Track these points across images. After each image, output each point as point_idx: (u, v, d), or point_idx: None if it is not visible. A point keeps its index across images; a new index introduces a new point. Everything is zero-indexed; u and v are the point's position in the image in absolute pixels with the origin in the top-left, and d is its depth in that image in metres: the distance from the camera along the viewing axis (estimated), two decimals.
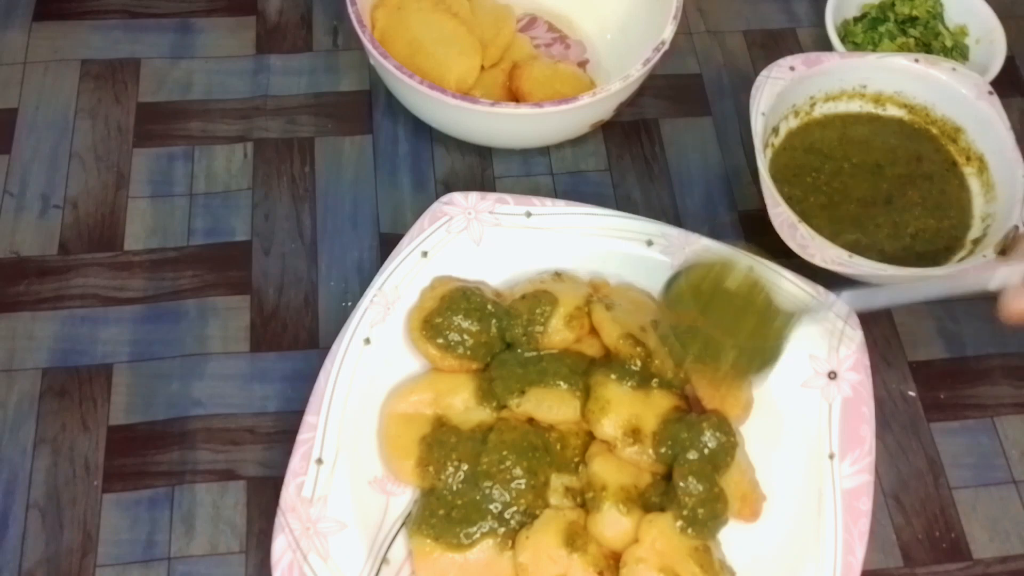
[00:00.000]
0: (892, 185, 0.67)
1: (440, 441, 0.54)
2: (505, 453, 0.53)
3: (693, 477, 0.51)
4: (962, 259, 0.63)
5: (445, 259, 0.59)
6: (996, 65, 0.71)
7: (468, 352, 0.56)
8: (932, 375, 0.63)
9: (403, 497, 0.54)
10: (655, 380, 0.54)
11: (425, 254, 0.59)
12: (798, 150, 0.68)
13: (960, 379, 0.63)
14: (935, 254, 0.65)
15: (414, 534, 0.52)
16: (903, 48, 0.72)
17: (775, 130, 0.67)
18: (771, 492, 0.54)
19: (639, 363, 0.54)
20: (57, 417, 0.58)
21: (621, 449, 0.52)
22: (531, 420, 0.55)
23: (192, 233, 0.65)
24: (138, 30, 0.74)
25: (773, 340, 0.51)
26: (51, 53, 0.72)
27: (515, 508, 0.52)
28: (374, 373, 0.56)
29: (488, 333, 0.57)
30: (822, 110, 0.69)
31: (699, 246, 0.58)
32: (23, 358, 0.60)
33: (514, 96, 0.69)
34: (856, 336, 0.57)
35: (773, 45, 0.77)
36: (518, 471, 0.52)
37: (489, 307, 0.57)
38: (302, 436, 0.53)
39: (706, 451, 0.52)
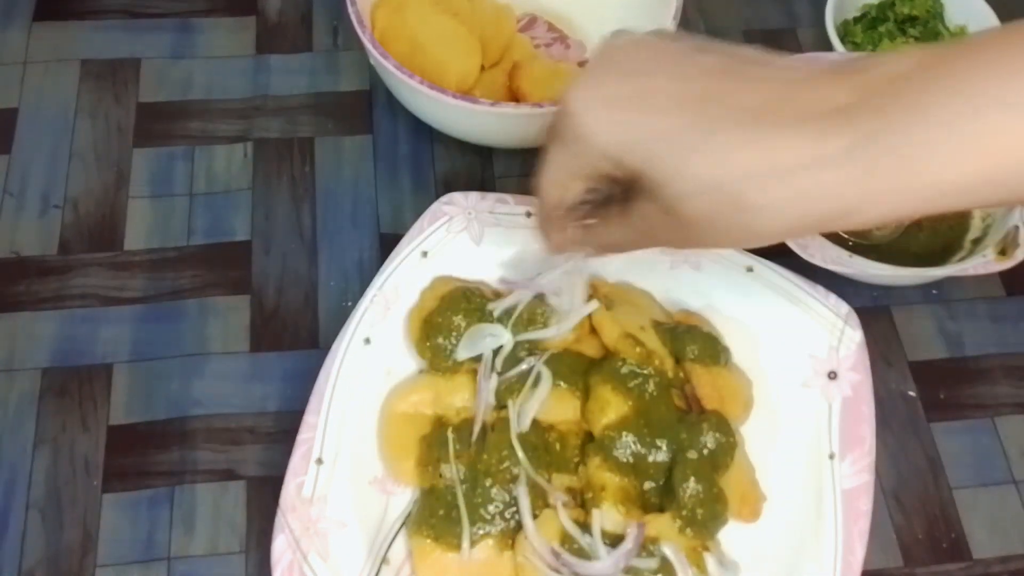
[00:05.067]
0: None
1: (440, 441, 0.54)
2: (505, 453, 0.53)
3: (693, 477, 0.51)
4: (962, 259, 0.63)
5: (445, 259, 0.59)
6: None
7: None
8: (932, 375, 0.63)
9: (403, 497, 0.54)
10: (655, 380, 0.54)
11: (425, 254, 0.59)
12: None
13: (960, 379, 0.63)
14: (934, 254, 0.65)
15: (414, 534, 0.52)
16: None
17: None
18: (771, 492, 0.54)
19: (639, 363, 0.54)
20: (57, 417, 0.58)
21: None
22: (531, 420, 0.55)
23: (192, 233, 0.65)
24: (138, 30, 0.74)
25: None
26: (51, 53, 0.72)
27: (515, 508, 0.52)
28: (374, 373, 0.56)
29: None
30: None
31: None
32: (23, 358, 0.60)
33: (514, 96, 0.69)
34: (856, 336, 0.57)
35: (773, 45, 0.74)
36: (518, 471, 0.52)
37: (489, 307, 0.57)
38: (302, 436, 0.53)
39: (706, 451, 0.52)
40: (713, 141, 0.38)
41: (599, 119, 0.41)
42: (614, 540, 0.50)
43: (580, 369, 0.55)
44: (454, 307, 0.56)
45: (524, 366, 0.55)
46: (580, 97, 0.42)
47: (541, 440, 0.54)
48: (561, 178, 0.45)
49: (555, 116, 0.43)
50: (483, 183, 0.69)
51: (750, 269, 0.59)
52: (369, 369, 0.56)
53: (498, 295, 0.59)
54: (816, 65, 0.41)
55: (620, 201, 0.44)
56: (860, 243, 0.64)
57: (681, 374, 0.55)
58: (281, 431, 0.58)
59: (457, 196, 0.61)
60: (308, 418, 0.54)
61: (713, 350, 0.56)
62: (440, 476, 0.53)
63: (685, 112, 0.39)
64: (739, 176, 0.38)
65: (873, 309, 0.64)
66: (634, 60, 0.42)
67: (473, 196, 0.61)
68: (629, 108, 0.40)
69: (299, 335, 0.62)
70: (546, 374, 0.54)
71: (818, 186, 0.37)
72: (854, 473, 0.54)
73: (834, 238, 0.63)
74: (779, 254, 0.59)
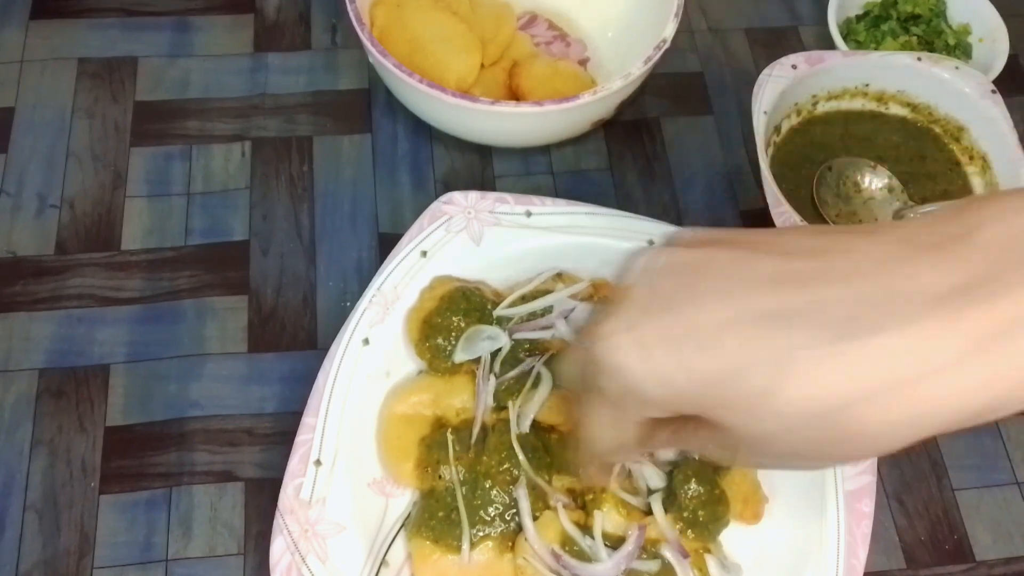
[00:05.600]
0: None
1: (439, 442, 0.53)
2: (505, 454, 0.52)
3: (694, 479, 0.51)
4: None
5: (444, 259, 0.59)
6: (999, 64, 0.70)
7: None
8: None
9: (402, 499, 0.54)
10: None
11: (424, 254, 0.59)
12: (798, 144, 0.68)
13: None
14: None
15: (413, 536, 0.52)
16: (906, 46, 0.72)
17: (777, 129, 0.67)
18: (773, 494, 0.54)
19: None
20: (54, 418, 0.58)
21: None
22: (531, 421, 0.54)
23: (190, 233, 0.65)
24: (135, 28, 0.73)
25: None
26: (48, 52, 0.72)
27: (515, 510, 0.52)
28: (373, 374, 0.56)
29: None
30: (824, 108, 0.69)
31: None
32: (20, 359, 0.60)
33: (514, 95, 0.68)
34: None
35: (775, 43, 0.76)
36: (518, 472, 0.52)
37: (489, 307, 0.57)
38: (300, 437, 0.53)
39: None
40: (800, 368, 0.31)
41: (648, 370, 0.34)
42: (615, 542, 0.50)
43: None
44: (454, 307, 0.56)
45: (524, 367, 0.55)
46: (618, 345, 0.35)
47: (541, 441, 0.53)
48: (611, 431, 0.39)
49: (588, 367, 0.37)
50: (483, 182, 0.68)
51: None
52: (368, 370, 0.56)
53: (498, 295, 0.58)
54: (890, 236, 0.33)
55: (687, 421, 0.38)
56: None
57: None
58: (279, 433, 0.57)
59: (456, 195, 0.60)
60: (307, 419, 0.53)
61: None
62: (440, 478, 0.53)
63: (754, 340, 0.32)
64: (842, 402, 0.31)
65: None
66: (673, 286, 0.35)
67: (473, 195, 0.60)
68: (683, 349, 0.33)
69: (297, 336, 0.61)
70: (546, 375, 0.54)
71: (945, 391, 0.30)
72: (856, 475, 0.53)
73: None
74: None
